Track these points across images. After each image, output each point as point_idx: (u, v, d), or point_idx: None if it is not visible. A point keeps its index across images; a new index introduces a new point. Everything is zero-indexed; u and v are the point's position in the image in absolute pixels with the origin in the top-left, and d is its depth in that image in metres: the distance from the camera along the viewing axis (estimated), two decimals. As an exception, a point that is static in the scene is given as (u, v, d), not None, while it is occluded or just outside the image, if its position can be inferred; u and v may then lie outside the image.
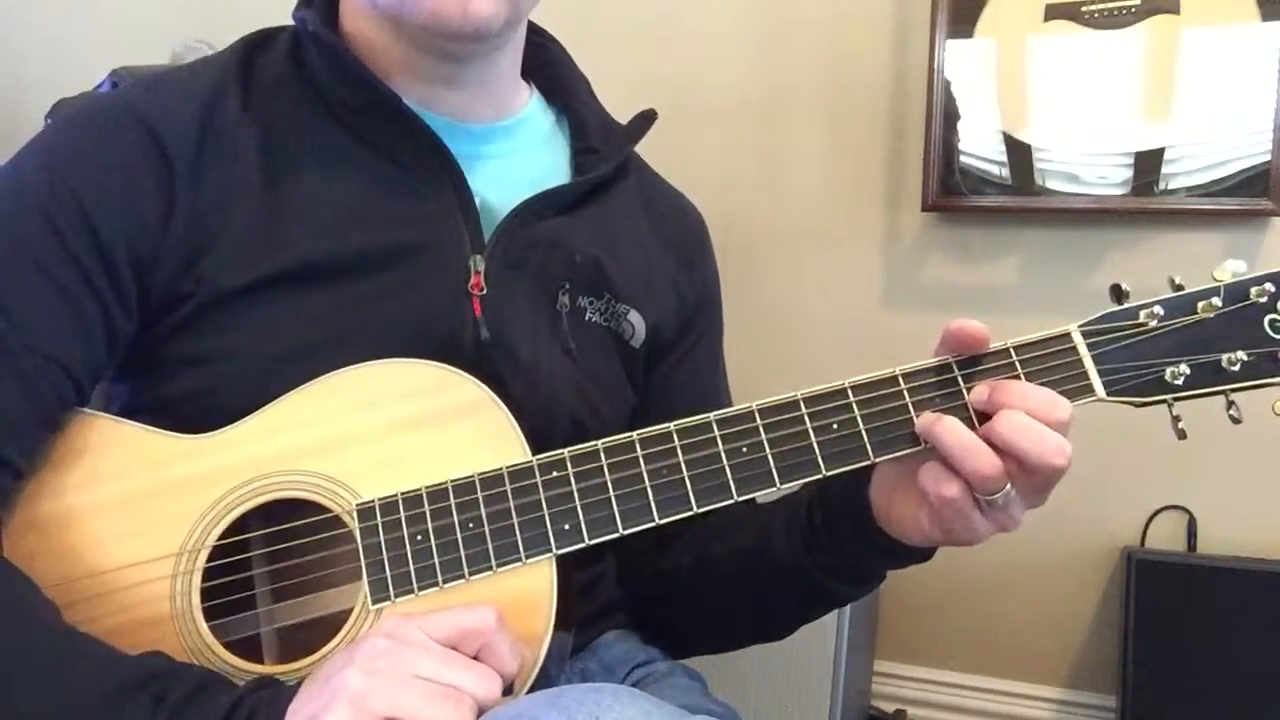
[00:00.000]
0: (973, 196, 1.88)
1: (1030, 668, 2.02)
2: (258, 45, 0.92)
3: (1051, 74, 1.83)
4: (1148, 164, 1.79)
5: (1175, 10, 1.75)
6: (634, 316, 0.96)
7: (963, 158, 1.88)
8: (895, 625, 2.07)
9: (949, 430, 0.74)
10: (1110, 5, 1.78)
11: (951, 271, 1.97)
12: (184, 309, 0.83)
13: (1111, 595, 1.94)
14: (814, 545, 0.89)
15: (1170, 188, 1.78)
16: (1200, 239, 1.81)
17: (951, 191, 1.89)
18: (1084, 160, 1.82)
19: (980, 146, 1.87)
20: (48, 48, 2.47)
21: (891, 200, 1.99)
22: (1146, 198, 1.79)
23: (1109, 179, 1.81)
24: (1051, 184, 1.84)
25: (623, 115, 1.03)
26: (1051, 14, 1.81)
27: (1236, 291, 0.76)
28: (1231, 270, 0.77)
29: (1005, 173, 1.86)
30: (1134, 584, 1.78)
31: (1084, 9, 1.79)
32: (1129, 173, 1.80)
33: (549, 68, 1.02)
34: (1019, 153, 1.85)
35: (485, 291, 0.87)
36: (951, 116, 1.87)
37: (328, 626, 0.78)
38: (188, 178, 0.83)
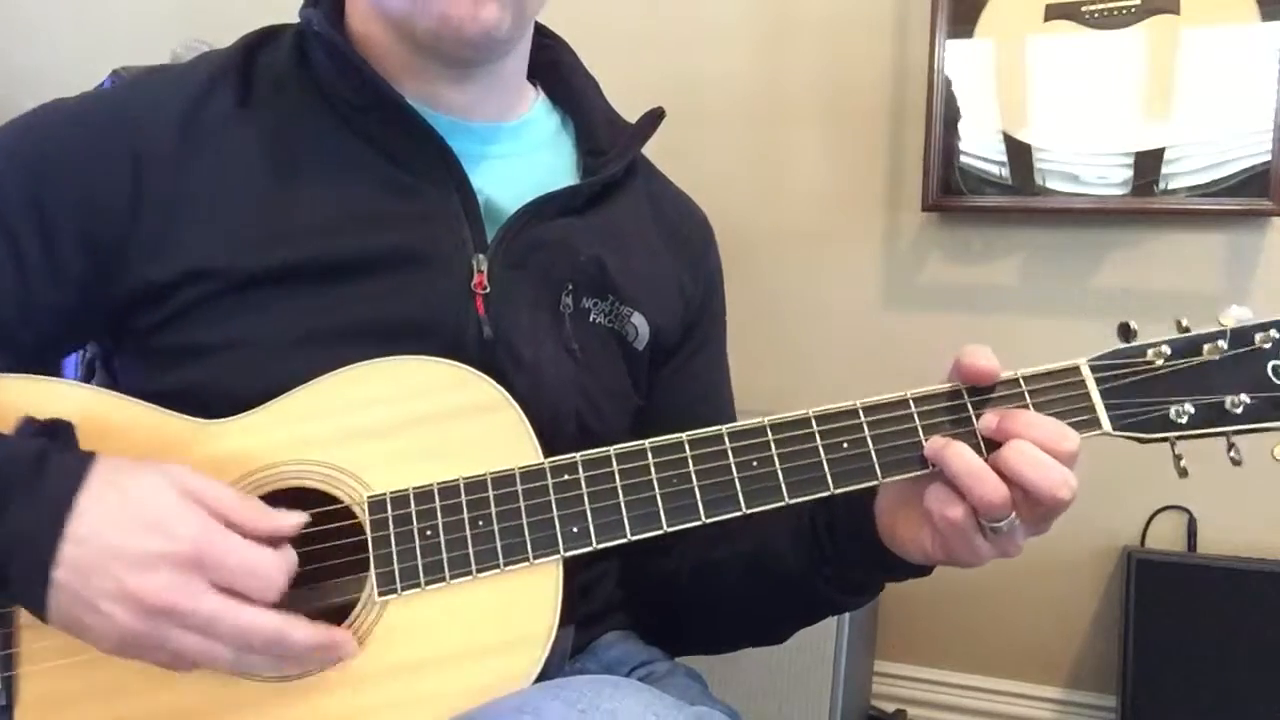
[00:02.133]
0: (973, 196, 1.88)
1: (1030, 668, 2.02)
2: (260, 43, 0.93)
3: (1051, 74, 1.83)
4: (1148, 164, 1.79)
5: (1175, 10, 1.75)
6: (637, 319, 0.96)
7: (963, 158, 1.88)
8: (895, 625, 2.07)
9: (958, 455, 0.74)
10: (1110, 5, 1.78)
11: (951, 271, 1.97)
12: (178, 300, 0.83)
13: (1111, 595, 1.95)
14: (816, 555, 0.89)
15: (1170, 188, 1.78)
16: (1200, 239, 1.82)
17: (951, 191, 1.89)
18: (1084, 160, 1.82)
19: (980, 146, 1.87)
20: (48, 48, 2.47)
21: (891, 200, 1.99)
22: (1146, 198, 1.80)
23: (1109, 179, 1.81)
24: (1051, 184, 1.84)
25: (623, 114, 1.03)
26: (1051, 14, 1.81)
27: (1241, 336, 0.78)
28: (1236, 315, 0.79)
29: (1005, 173, 1.87)
30: (1134, 584, 1.79)
31: (1084, 9, 1.79)
32: (1129, 173, 1.80)
33: (556, 69, 1.02)
34: (1019, 153, 1.86)
35: (488, 290, 0.87)
36: (951, 116, 1.88)
37: (332, 616, 0.78)
38: (162, 167, 0.84)
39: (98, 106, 0.87)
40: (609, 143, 0.99)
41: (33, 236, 0.82)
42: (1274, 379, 0.78)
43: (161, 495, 0.71)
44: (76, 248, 0.83)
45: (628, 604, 1.03)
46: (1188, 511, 1.88)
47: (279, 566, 0.71)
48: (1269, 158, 1.72)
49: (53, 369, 0.91)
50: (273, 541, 0.72)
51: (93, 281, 0.84)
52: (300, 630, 0.71)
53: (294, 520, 0.74)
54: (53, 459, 0.72)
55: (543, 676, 0.75)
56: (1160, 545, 1.89)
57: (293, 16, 0.94)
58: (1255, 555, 1.79)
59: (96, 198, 0.83)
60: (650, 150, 1.05)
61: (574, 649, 0.91)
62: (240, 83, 0.89)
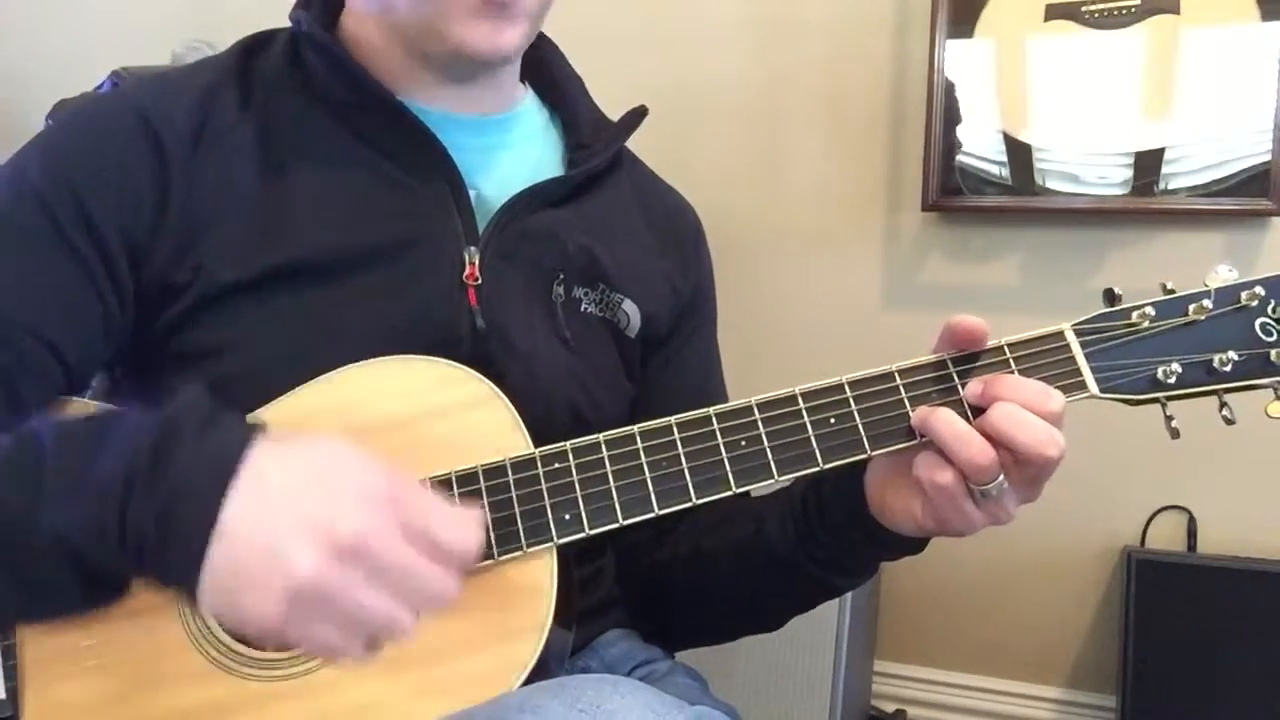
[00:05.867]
0: (973, 196, 1.88)
1: (1030, 668, 2.02)
2: (256, 46, 0.94)
3: (1051, 74, 1.83)
4: (1148, 164, 1.79)
5: (1175, 10, 1.75)
6: (629, 306, 0.97)
7: (963, 158, 1.88)
8: (895, 625, 2.07)
9: (944, 421, 0.75)
10: (1110, 5, 1.78)
11: (951, 271, 1.97)
12: (182, 304, 0.83)
13: (1111, 595, 1.94)
14: (808, 535, 0.89)
15: (1170, 188, 1.78)
16: (1200, 239, 1.82)
17: (951, 191, 1.89)
18: (1084, 160, 1.82)
19: (980, 146, 1.87)
20: (48, 48, 2.48)
21: (891, 200, 1.99)
22: (1146, 198, 1.80)
23: (1109, 179, 1.81)
24: (1051, 184, 1.84)
25: (622, 115, 1.04)
26: (1051, 14, 1.81)
27: (1227, 295, 0.78)
28: (1222, 275, 0.79)
29: (1005, 173, 1.87)
30: (1134, 584, 1.78)
31: (1084, 9, 1.79)
32: (1129, 173, 1.80)
33: (542, 66, 1.03)
34: (1019, 153, 1.86)
35: (480, 282, 0.88)
36: (951, 116, 1.88)
37: None
38: (183, 171, 0.84)
39: (116, 112, 0.86)
40: (593, 137, 1.00)
41: (91, 249, 0.81)
42: (1262, 336, 0.78)
43: (344, 448, 0.66)
44: (125, 255, 0.83)
45: (625, 597, 1.03)
46: (1188, 511, 1.87)
47: (473, 520, 0.66)
48: (1269, 158, 1.72)
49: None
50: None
51: (134, 288, 0.84)
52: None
53: (476, 513, 0.69)
54: (224, 415, 0.67)
55: (543, 676, 0.75)
56: (1160, 545, 1.89)
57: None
58: (1255, 555, 1.79)
59: (132, 204, 0.83)
60: (650, 149, 1.06)
61: (574, 646, 0.91)
62: (240, 87, 0.89)
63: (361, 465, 0.65)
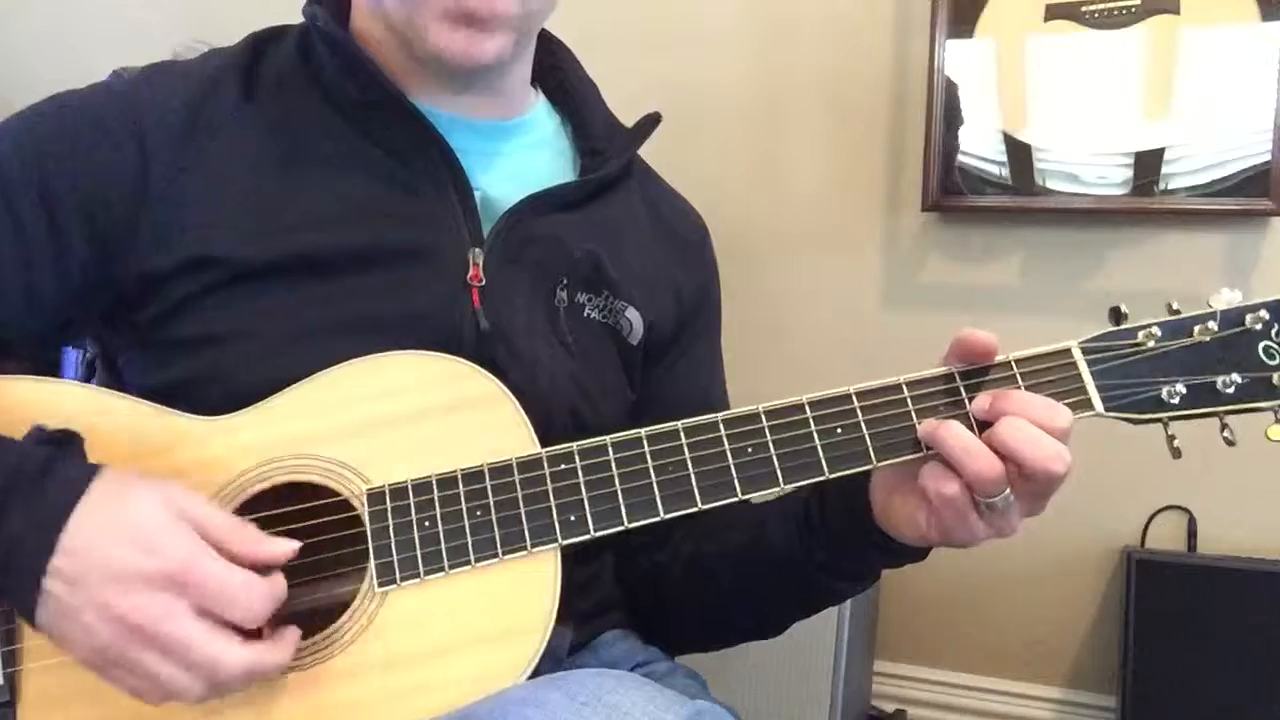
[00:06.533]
0: (973, 196, 1.88)
1: (1030, 668, 2.02)
2: (267, 39, 0.94)
3: (1051, 74, 1.83)
4: (1148, 164, 1.79)
5: (1175, 10, 1.75)
6: (631, 314, 0.97)
7: (963, 158, 1.88)
8: (895, 625, 2.07)
9: (952, 433, 0.75)
10: (1110, 5, 1.78)
11: (951, 271, 1.97)
12: (176, 291, 0.84)
13: (1111, 595, 1.94)
14: (811, 541, 0.89)
15: (1170, 188, 1.78)
16: (1200, 239, 1.82)
17: (951, 191, 1.89)
18: (1084, 160, 1.82)
19: (980, 146, 1.88)
20: (48, 48, 2.48)
21: (891, 200, 1.99)
22: (1146, 198, 1.80)
23: (1109, 179, 1.81)
24: (1051, 184, 1.84)
25: (623, 115, 1.04)
26: (1051, 14, 1.82)
27: (1232, 317, 0.79)
28: (1227, 298, 0.79)
29: (1005, 173, 1.87)
30: (1134, 584, 1.78)
31: (1084, 9, 1.80)
32: (1129, 173, 1.80)
33: (556, 72, 1.03)
34: (1019, 153, 1.86)
35: (484, 284, 0.88)
36: (951, 116, 1.88)
37: (333, 609, 0.78)
38: (168, 158, 0.85)
39: (105, 96, 0.87)
40: (607, 143, 1.00)
41: (39, 222, 0.83)
42: (1265, 359, 0.78)
43: (155, 514, 0.71)
44: (82, 235, 0.83)
45: (625, 600, 1.03)
46: (1188, 511, 1.88)
47: (263, 594, 0.71)
48: (1269, 158, 1.72)
49: (52, 368, 0.91)
50: (264, 569, 0.73)
51: (95, 271, 0.84)
52: (272, 659, 0.72)
53: (284, 548, 0.74)
54: (57, 470, 0.73)
55: (540, 674, 0.75)
56: (1160, 545, 1.89)
57: (293, 17, 0.95)
58: (1255, 555, 1.79)
59: (102, 185, 0.84)
60: (650, 151, 1.05)
61: (574, 646, 0.91)
62: (245, 78, 0.90)
63: (166, 537, 0.71)
